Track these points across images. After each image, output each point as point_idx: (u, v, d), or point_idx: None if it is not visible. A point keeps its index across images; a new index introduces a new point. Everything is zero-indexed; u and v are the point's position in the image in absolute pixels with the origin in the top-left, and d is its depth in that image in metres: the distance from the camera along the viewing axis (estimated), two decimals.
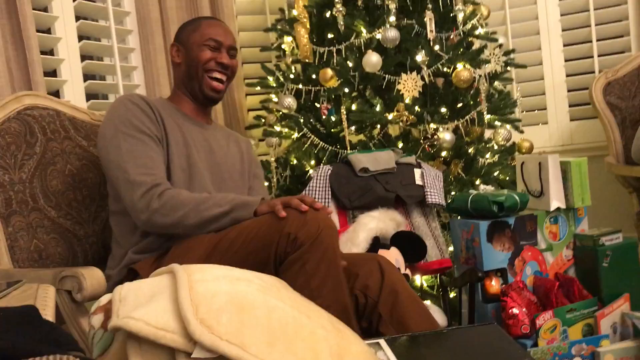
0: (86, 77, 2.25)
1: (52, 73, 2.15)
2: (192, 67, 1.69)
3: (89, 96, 2.24)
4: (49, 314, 0.85)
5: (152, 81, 2.39)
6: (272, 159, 2.34)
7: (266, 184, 2.39)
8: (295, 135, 2.28)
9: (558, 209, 1.90)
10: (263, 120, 2.52)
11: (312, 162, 2.22)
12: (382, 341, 1.22)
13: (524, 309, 1.70)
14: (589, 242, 1.87)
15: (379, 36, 2.20)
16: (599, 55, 2.86)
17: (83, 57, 2.21)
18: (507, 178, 2.31)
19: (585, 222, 1.94)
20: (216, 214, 1.44)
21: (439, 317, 1.89)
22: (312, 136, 2.23)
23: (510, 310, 1.69)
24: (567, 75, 2.95)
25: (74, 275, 1.36)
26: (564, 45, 2.94)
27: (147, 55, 2.39)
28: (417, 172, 2.08)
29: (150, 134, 1.55)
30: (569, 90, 2.95)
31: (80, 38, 2.21)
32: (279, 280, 0.91)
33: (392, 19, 2.22)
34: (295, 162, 2.27)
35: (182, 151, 1.60)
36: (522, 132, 2.53)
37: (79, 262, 1.66)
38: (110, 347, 0.80)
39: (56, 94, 2.14)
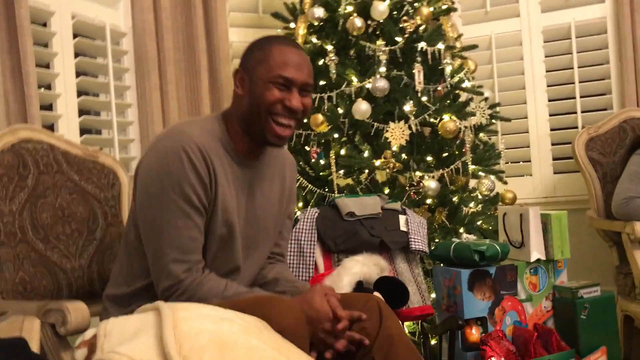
0: (81, 112, 2.29)
1: (48, 107, 2.19)
2: (254, 105, 1.43)
3: (83, 131, 2.28)
4: (34, 347, 0.87)
5: (145, 119, 2.43)
6: None
7: None
8: None
9: (538, 260, 1.94)
10: None
11: (300, 205, 2.26)
12: None
13: (502, 359, 1.72)
14: (567, 294, 1.90)
15: (369, 85, 2.27)
16: (582, 112, 2.95)
17: (79, 93, 2.26)
18: (490, 228, 2.35)
19: (565, 274, 1.98)
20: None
21: None
22: (301, 178, 2.28)
23: (489, 359, 1.71)
24: (551, 130, 3.03)
25: (58, 309, 1.37)
26: (549, 100, 3.04)
27: (143, 93, 2.44)
28: (402, 218, 2.11)
29: (198, 207, 1.39)
30: (552, 144, 3.03)
31: (78, 74, 2.26)
32: (260, 321, 0.93)
33: (383, 69, 2.29)
34: None
35: (227, 217, 1.45)
36: (505, 183, 2.58)
37: (63, 296, 1.66)
38: None
39: (51, 127, 2.17)
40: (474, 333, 1.85)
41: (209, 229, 1.43)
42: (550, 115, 3.04)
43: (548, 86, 3.03)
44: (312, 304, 1.34)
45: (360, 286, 1.89)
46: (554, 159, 3.03)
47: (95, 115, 2.45)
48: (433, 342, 2.09)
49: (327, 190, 2.27)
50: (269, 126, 1.43)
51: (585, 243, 2.76)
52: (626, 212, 2.28)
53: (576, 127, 2.95)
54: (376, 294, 1.87)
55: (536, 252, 1.94)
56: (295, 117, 1.45)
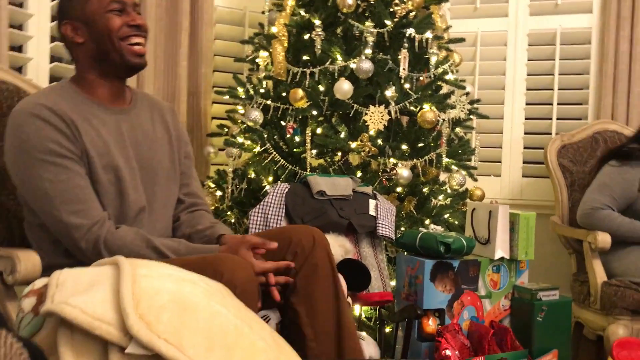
0: (53, 58, 2.20)
1: (18, 49, 2.09)
2: (102, 41, 1.44)
3: (53, 79, 2.19)
4: None
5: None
6: (230, 169, 2.32)
7: (219, 193, 2.38)
8: (257, 149, 2.27)
9: (502, 258, 1.95)
10: (226, 130, 2.50)
11: (270, 179, 2.22)
12: None
13: (456, 352, 1.72)
14: (527, 295, 1.92)
15: (353, 65, 2.23)
16: (557, 119, 2.97)
17: (53, 39, 2.16)
18: (457, 222, 2.36)
19: (526, 275, 2.00)
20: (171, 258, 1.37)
21: (373, 349, 1.90)
22: (274, 153, 2.23)
23: (443, 352, 1.71)
24: (525, 133, 3.05)
25: (8, 256, 1.31)
26: (526, 104, 3.05)
27: None
28: (371, 202, 2.10)
29: (71, 156, 1.37)
30: (525, 147, 3.05)
31: (53, 19, 2.16)
32: (224, 287, 0.89)
33: (368, 51, 2.26)
34: (253, 175, 2.26)
35: (106, 161, 1.43)
36: (476, 180, 2.59)
37: (15, 244, 1.59)
38: (38, 333, 0.77)
39: (19, 70, 2.07)
40: (431, 324, 1.85)
41: (92, 179, 1.41)
42: (526, 119, 3.05)
43: (527, 90, 3.04)
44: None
45: None
46: (524, 162, 3.06)
47: (68, 64, 2.35)
48: (388, 329, 2.08)
49: (299, 167, 2.23)
50: (126, 50, 1.45)
51: (546, 248, 2.79)
52: (590, 222, 2.31)
53: (550, 134, 2.97)
54: (338, 275, 1.86)
55: (501, 250, 1.94)
56: (143, 34, 1.49)
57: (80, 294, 0.73)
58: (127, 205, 1.45)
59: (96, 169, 1.41)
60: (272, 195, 2.01)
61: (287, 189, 2.03)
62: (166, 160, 1.59)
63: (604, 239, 2.23)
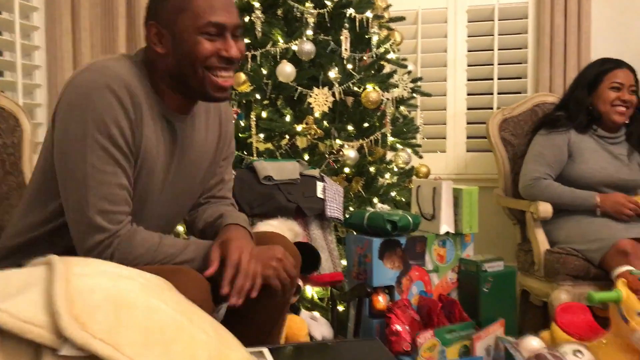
0: None
1: None
2: (185, 64, 1.26)
3: None
4: None
5: (55, 64, 2.27)
6: None
7: None
8: None
9: (447, 233, 1.99)
10: None
11: None
12: (265, 350, 1.22)
13: (406, 327, 1.76)
14: (472, 267, 1.97)
15: (295, 47, 2.22)
16: (498, 93, 3.04)
17: None
18: (403, 199, 2.40)
19: (471, 248, 2.05)
20: (179, 261, 1.28)
21: (326, 329, 1.92)
22: None
23: (393, 327, 1.75)
24: (468, 109, 3.11)
25: None
26: (468, 80, 3.10)
27: (53, 36, 2.27)
28: (319, 185, 2.11)
29: (126, 150, 1.23)
30: (468, 123, 3.11)
31: None
32: (164, 281, 0.89)
33: (310, 32, 2.25)
34: None
35: (149, 166, 1.31)
36: (421, 157, 2.63)
37: None
38: None
39: None
40: (381, 301, 1.88)
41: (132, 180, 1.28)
42: (468, 94, 3.11)
43: (468, 66, 3.10)
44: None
45: None
46: (468, 137, 3.12)
47: None
48: (341, 308, 2.11)
49: (245, 153, 2.22)
50: (209, 81, 1.27)
51: (491, 220, 2.87)
52: (532, 193, 2.38)
53: (491, 108, 3.04)
54: None
55: (446, 225, 1.99)
56: (234, 65, 1.30)
57: (10, 297, 0.71)
58: (146, 211, 1.35)
59: (138, 170, 1.29)
60: None
61: (233, 176, 2.01)
62: (204, 168, 1.47)
63: (545, 209, 2.30)
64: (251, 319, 1.39)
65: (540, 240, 2.33)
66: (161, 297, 0.79)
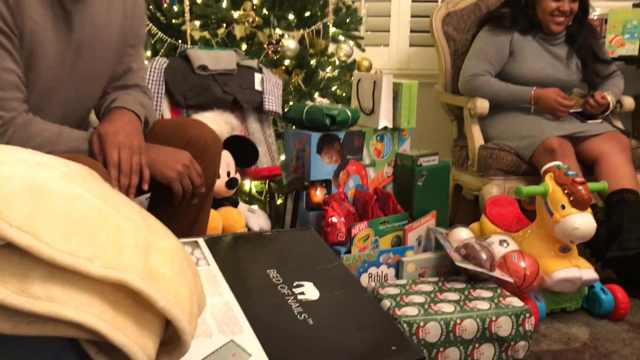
0: None
1: None
2: None
3: None
4: None
5: None
6: None
7: None
8: None
9: (385, 128, 2.00)
10: None
11: (148, 53, 2.08)
12: (200, 240, 1.22)
13: (342, 219, 1.79)
14: (408, 161, 2.00)
15: None
16: None
17: None
18: (344, 94, 2.37)
19: (408, 143, 2.07)
20: (75, 150, 1.23)
21: (264, 221, 1.94)
22: (150, 24, 2.08)
23: (329, 219, 1.78)
24: (413, 1, 3.03)
25: None
26: None
27: None
28: (257, 77, 2.04)
29: (9, 32, 1.15)
30: (412, 16, 3.04)
31: None
32: (87, 169, 0.84)
33: None
34: None
35: (41, 63, 1.23)
36: (363, 50, 2.58)
37: None
38: None
39: None
40: (318, 194, 1.90)
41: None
42: None
43: None
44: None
45: None
46: (412, 31, 3.07)
47: None
48: (279, 201, 2.13)
49: (179, 41, 2.10)
50: None
51: (430, 116, 2.90)
52: (470, 89, 2.40)
53: (436, 1, 2.98)
54: (225, 152, 1.84)
55: (384, 120, 1.98)
56: None
57: None
58: (46, 101, 1.27)
59: (27, 56, 1.20)
60: (151, 72, 1.90)
61: (166, 64, 1.92)
62: (108, 55, 1.37)
63: (482, 105, 2.33)
64: (169, 214, 1.37)
65: (476, 136, 2.38)
66: (84, 185, 0.75)
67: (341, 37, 2.40)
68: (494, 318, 1.42)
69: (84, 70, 1.33)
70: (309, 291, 1.09)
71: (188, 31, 2.07)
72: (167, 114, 1.93)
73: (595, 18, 2.79)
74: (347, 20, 2.40)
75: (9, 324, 0.64)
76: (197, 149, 1.39)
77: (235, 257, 1.21)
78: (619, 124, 2.50)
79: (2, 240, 0.65)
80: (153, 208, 1.44)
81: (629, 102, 2.48)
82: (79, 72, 1.32)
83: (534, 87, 2.31)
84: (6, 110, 1.17)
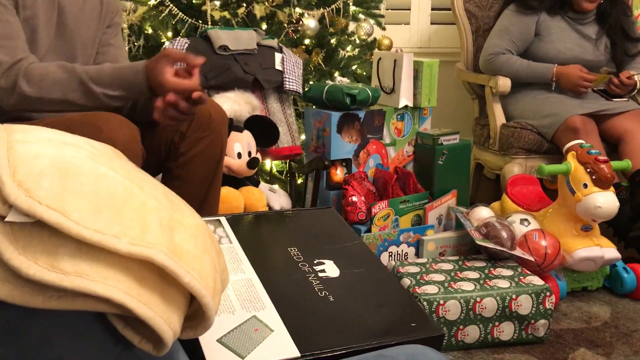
0: None
1: None
2: None
3: None
4: None
5: None
6: (125, 25, 2.16)
7: None
8: (152, 1, 2.12)
9: (406, 106, 1.99)
10: None
11: (169, 34, 2.09)
12: (222, 218, 1.24)
13: (362, 198, 1.80)
14: (429, 140, 1.99)
15: None
16: None
17: None
18: (364, 73, 2.36)
19: (429, 122, 2.06)
20: (106, 94, 1.25)
21: (285, 200, 1.96)
22: (171, 5, 2.09)
23: (350, 198, 1.79)
24: None
25: None
26: None
27: None
28: (277, 56, 2.04)
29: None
30: None
31: None
32: (112, 149, 0.86)
33: None
34: (150, 31, 2.12)
35: (33, 32, 1.33)
36: (384, 28, 2.56)
37: None
38: None
39: None
40: (338, 174, 1.90)
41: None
42: None
43: None
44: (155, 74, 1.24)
45: (230, 124, 1.84)
46: (433, 9, 3.03)
47: None
48: (299, 181, 2.14)
49: (200, 21, 2.11)
50: None
51: (451, 94, 2.87)
52: (492, 67, 2.37)
53: None
54: (246, 132, 1.85)
55: (405, 99, 1.98)
56: None
57: None
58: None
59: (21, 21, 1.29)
60: None
61: (187, 45, 1.93)
62: (90, 35, 1.46)
63: (504, 83, 2.31)
64: (187, 179, 1.42)
65: (497, 115, 2.36)
66: (109, 164, 0.77)
67: (361, 16, 2.39)
68: (514, 296, 1.42)
69: (67, 50, 1.40)
70: (330, 269, 1.10)
71: (208, 11, 2.08)
72: None
73: None
74: None
75: (40, 299, 0.66)
76: (201, 122, 1.42)
77: (257, 235, 1.23)
78: None
79: (32, 218, 0.67)
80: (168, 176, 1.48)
81: None
82: (63, 51, 1.39)
83: (556, 65, 2.28)
84: (11, 56, 1.23)
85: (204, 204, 1.48)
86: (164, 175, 1.50)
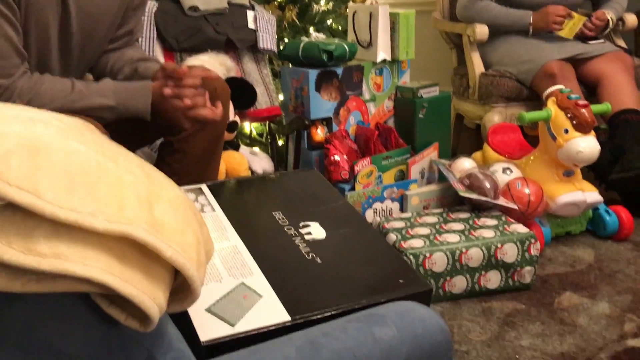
0: None
1: None
2: None
3: None
4: None
5: None
6: None
7: None
8: None
9: (384, 61, 1.96)
10: None
11: None
12: (203, 186, 1.22)
13: (344, 156, 1.79)
14: (408, 94, 1.97)
15: None
16: None
17: None
18: (340, 28, 2.31)
19: (408, 75, 2.04)
20: (96, 105, 1.23)
21: (267, 163, 1.94)
22: None
23: (332, 157, 1.77)
24: None
25: None
26: None
27: None
28: (250, 14, 1.99)
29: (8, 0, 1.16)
30: None
31: None
32: (84, 123, 0.83)
33: None
34: None
35: (42, 28, 1.24)
36: None
37: None
38: None
39: None
40: (319, 133, 1.88)
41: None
42: None
43: None
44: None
45: None
46: None
47: None
48: (280, 142, 2.11)
49: None
50: None
51: (428, 45, 2.84)
52: (469, 14, 2.33)
53: None
54: None
55: (383, 52, 1.94)
56: None
57: None
58: (49, 67, 1.29)
59: (26, 20, 1.20)
60: None
61: (155, 8, 1.87)
62: (108, 20, 1.36)
63: (482, 31, 2.28)
64: (188, 153, 1.40)
65: (476, 64, 2.33)
66: (81, 139, 0.74)
67: None
68: (499, 245, 1.44)
69: (85, 37, 1.32)
70: (316, 231, 1.09)
71: None
72: (161, 59, 1.89)
73: None
74: None
75: (18, 283, 0.64)
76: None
77: (240, 201, 1.21)
78: (622, 43, 2.44)
79: (2, 201, 0.64)
80: (163, 159, 1.44)
81: (631, 20, 2.41)
82: (81, 39, 1.31)
83: (533, 11, 2.25)
84: (6, 77, 1.18)
85: (204, 177, 1.45)
86: (162, 148, 1.47)
